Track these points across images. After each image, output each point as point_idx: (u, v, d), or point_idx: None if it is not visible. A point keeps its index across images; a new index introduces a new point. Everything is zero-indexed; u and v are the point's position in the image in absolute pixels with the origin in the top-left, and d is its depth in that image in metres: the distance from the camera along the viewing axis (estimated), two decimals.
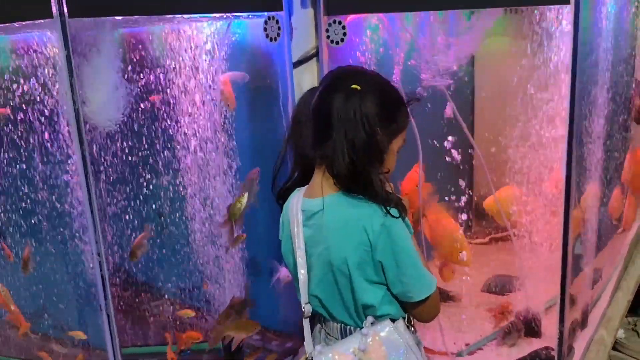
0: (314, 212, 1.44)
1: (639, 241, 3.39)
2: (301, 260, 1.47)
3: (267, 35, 2.17)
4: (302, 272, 1.48)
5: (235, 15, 2.17)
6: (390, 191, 1.44)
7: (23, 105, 2.00)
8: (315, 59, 2.25)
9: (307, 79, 2.26)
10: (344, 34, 2.13)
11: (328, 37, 2.14)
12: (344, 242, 1.40)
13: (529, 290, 2.41)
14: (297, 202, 1.50)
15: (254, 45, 2.27)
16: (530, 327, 2.37)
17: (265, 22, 2.13)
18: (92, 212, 1.60)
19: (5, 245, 2.24)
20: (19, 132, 2.06)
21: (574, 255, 2.13)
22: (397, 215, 1.38)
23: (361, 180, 1.38)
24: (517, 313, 2.41)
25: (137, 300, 2.45)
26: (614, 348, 3.38)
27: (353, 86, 1.38)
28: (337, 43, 2.15)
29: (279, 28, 2.12)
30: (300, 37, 2.20)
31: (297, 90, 2.25)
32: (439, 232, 2.32)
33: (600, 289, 2.71)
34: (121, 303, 2.33)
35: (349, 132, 1.35)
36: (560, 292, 2.00)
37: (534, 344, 2.33)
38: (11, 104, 2.01)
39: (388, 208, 1.37)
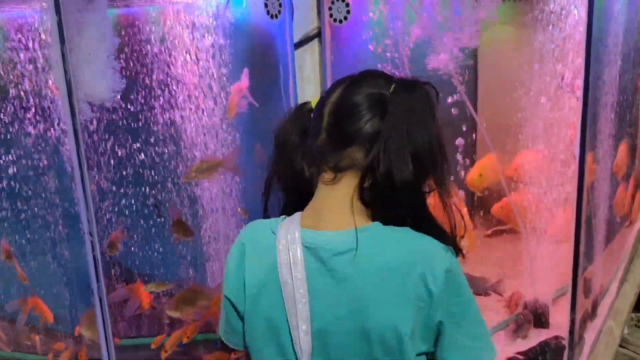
0: (338, 252, 1.00)
1: None
2: (304, 325, 1.00)
3: (268, 12, 2.08)
4: (304, 344, 1.01)
5: None
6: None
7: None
8: (317, 40, 2.17)
9: (308, 61, 2.15)
10: (348, 11, 2.04)
11: (331, 15, 2.06)
12: (389, 299, 0.97)
13: (537, 280, 2.34)
14: (292, 235, 1.03)
15: (254, 24, 2.18)
16: (538, 318, 2.30)
17: None
18: (84, 189, 1.52)
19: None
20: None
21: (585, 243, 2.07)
22: (456, 255, 1.03)
23: (424, 203, 1.05)
24: (525, 304, 2.33)
25: None
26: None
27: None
28: (341, 22, 2.07)
29: (280, 5, 2.04)
30: (301, 17, 2.11)
31: (298, 72, 2.17)
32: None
33: (609, 280, 2.64)
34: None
35: (414, 130, 0.99)
36: (572, 280, 1.93)
37: (542, 335, 2.26)
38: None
39: (454, 246, 1.02)
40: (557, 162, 2.14)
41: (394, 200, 1.00)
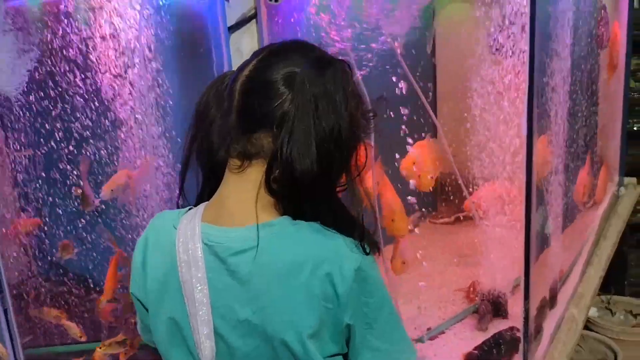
0: (238, 251, 0.92)
1: (611, 215, 3.25)
2: (206, 329, 0.93)
3: None
4: (206, 348, 0.94)
5: None
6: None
7: None
8: (254, 20, 2.05)
9: (246, 42, 2.02)
10: None
11: None
12: (292, 300, 0.91)
13: (494, 270, 2.23)
14: (191, 230, 0.95)
15: (182, 4, 2.04)
16: (496, 308, 2.19)
17: None
18: None
19: None
20: None
21: (538, 229, 1.96)
22: (369, 251, 0.95)
23: (332, 195, 0.96)
24: (482, 294, 2.23)
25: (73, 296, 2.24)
26: (587, 327, 3.26)
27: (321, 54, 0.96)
28: (276, 0, 1.95)
29: None
30: None
31: (237, 56, 2.02)
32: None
33: (570, 265, 2.55)
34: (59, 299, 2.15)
35: (324, 114, 0.90)
36: (524, 268, 1.82)
37: (501, 325, 2.15)
38: None
39: (363, 243, 0.94)
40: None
41: (301, 193, 0.92)
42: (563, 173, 2.23)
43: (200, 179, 1.06)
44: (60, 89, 1.91)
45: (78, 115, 1.94)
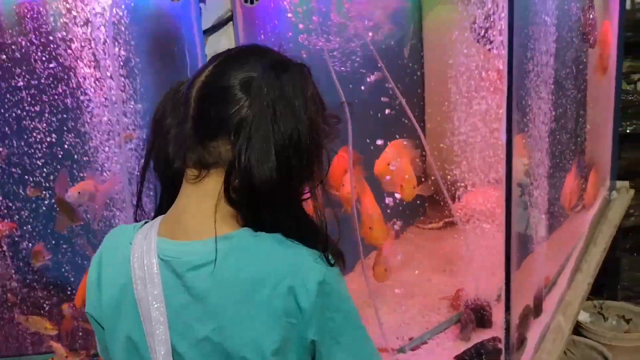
0: (195, 266, 0.88)
1: (602, 220, 3.20)
2: (163, 349, 0.89)
3: None
4: None
5: None
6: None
7: None
8: (231, 23, 2.01)
9: (223, 45, 1.97)
10: None
11: None
12: (253, 316, 0.86)
13: (479, 278, 2.18)
14: (147, 245, 0.91)
15: (156, 7, 2.00)
16: (480, 318, 2.14)
17: None
18: None
19: None
20: None
21: (521, 235, 1.91)
22: (334, 263, 0.91)
23: (294, 203, 0.92)
24: (467, 303, 2.17)
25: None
26: (579, 333, 3.21)
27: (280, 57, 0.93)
28: (252, 2, 1.91)
29: None
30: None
31: None
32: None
33: (557, 271, 2.49)
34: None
35: (282, 119, 0.86)
36: (504, 278, 1.77)
37: (485, 335, 2.10)
38: None
39: (327, 254, 0.90)
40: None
41: (261, 202, 0.88)
42: (547, 176, 2.17)
43: (159, 190, 1.01)
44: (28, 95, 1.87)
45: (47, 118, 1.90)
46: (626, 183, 3.70)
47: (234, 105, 0.87)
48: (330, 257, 0.90)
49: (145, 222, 0.98)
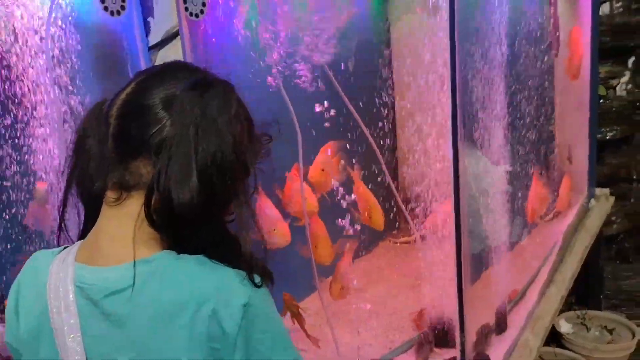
0: (112, 292, 0.85)
1: (579, 228, 3.12)
2: None
3: (106, 8, 1.83)
4: None
5: None
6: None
7: None
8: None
9: (172, 59, 1.95)
10: (203, 4, 1.84)
11: (187, 9, 1.84)
12: (175, 342, 0.83)
13: (440, 295, 2.10)
14: (64, 272, 0.88)
15: (96, 22, 1.94)
16: (443, 336, 2.06)
17: None
18: None
19: None
20: None
21: (477, 249, 1.84)
22: (261, 284, 0.87)
23: (218, 225, 0.89)
24: (430, 321, 2.09)
25: None
26: (561, 345, 3.13)
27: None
28: (197, 15, 1.87)
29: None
30: (163, 13, 1.90)
31: None
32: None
33: (527, 283, 2.41)
34: None
35: (205, 139, 0.83)
36: (457, 296, 1.69)
37: (448, 355, 2.02)
38: None
39: (252, 274, 0.86)
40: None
41: (183, 224, 0.85)
42: (507, 186, 2.10)
43: (82, 213, 0.97)
44: None
45: None
46: (606, 190, 3.63)
47: (155, 124, 0.85)
48: (256, 277, 0.87)
49: (65, 248, 0.94)
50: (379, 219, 2.11)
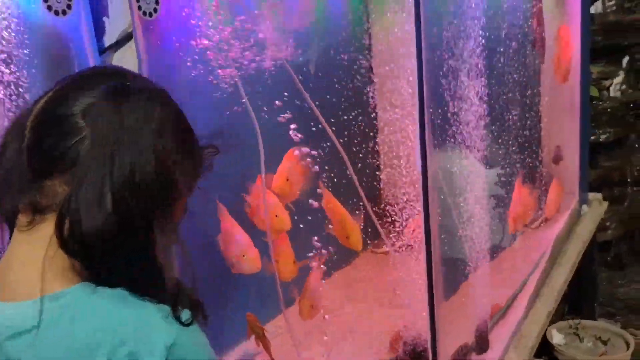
0: (15, 333, 0.74)
1: (570, 235, 2.97)
2: None
3: (49, 8, 1.70)
4: None
5: None
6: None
7: None
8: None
9: (129, 62, 1.83)
10: (157, 2, 1.72)
11: (140, 7, 1.72)
12: None
13: (416, 314, 1.95)
14: None
15: (41, 23, 1.82)
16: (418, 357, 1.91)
17: None
18: None
19: None
20: None
21: (452, 261, 1.69)
22: (191, 319, 0.78)
23: (139, 252, 0.77)
24: (405, 343, 1.94)
25: None
26: (554, 357, 2.99)
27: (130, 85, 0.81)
28: (151, 15, 1.74)
29: None
30: (118, 13, 1.78)
31: None
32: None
33: (511, 296, 2.26)
34: None
35: (121, 156, 0.74)
36: (429, 314, 1.54)
37: None
38: None
39: (178, 308, 0.77)
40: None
41: (97, 252, 0.74)
42: (489, 190, 1.96)
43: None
44: None
45: None
46: (599, 195, 3.49)
47: (72, 136, 0.75)
48: (185, 312, 0.77)
49: None
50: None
